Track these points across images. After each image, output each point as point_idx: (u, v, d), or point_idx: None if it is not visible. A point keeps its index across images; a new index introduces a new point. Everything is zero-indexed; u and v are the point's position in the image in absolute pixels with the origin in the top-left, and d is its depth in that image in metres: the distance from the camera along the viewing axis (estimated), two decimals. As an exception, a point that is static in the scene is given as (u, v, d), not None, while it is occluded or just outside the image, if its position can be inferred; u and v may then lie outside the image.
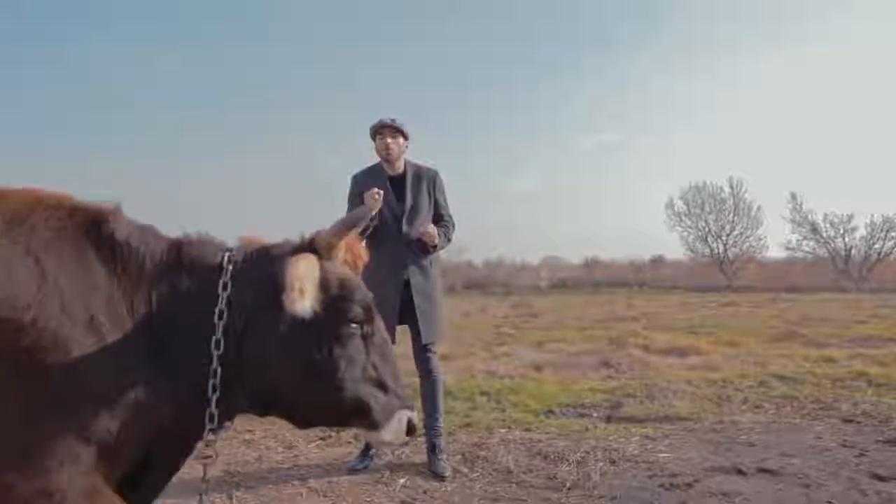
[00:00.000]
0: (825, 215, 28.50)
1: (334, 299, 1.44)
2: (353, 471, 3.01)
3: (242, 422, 4.07)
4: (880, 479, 2.89)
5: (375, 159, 3.15)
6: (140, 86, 54.98)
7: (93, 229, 1.37)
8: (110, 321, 1.31)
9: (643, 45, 54.35)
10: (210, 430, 1.38)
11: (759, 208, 30.66)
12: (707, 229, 31.43)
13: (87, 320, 1.28)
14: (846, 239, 28.29)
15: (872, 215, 27.81)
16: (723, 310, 14.64)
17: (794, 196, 29.11)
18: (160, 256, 1.43)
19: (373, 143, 3.09)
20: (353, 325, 1.46)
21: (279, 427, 3.96)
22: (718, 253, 31.12)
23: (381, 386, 1.50)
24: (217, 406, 1.37)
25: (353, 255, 1.55)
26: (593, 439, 3.62)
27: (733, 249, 31.02)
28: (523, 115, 54.99)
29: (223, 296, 1.38)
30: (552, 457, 3.27)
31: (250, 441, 3.69)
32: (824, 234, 28.53)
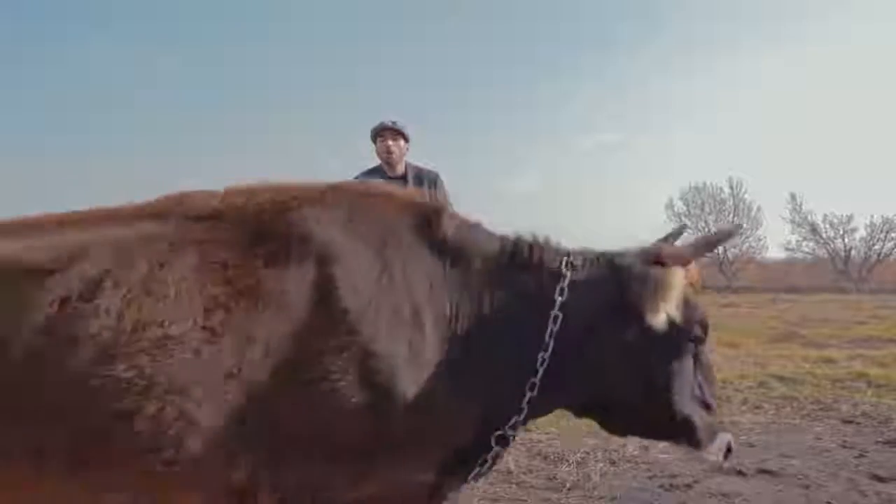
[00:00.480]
0: (825, 216, 28.55)
1: (683, 316, 1.45)
2: None
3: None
4: (880, 479, 2.91)
5: (376, 161, 3.14)
6: (140, 86, 54.96)
7: (425, 225, 1.40)
8: (435, 316, 1.34)
9: (643, 45, 54.40)
10: (511, 432, 1.44)
11: (758, 209, 30.72)
12: (707, 230, 31.45)
13: (414, 314, 1.31)
14: (846, 240, 28.35)
15: (872, 216, 27.87)
16: (722, 310, 14.66)
17: (793, 196, 29.15)
18: (491, 255, 1.45)
19: (373, 145, 3.09)
20: (692, 344, 1.50)
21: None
22: (718, 253, 31.16)
23: (706, 406, 1.54)
24: (527, 406, 1.40)
25: (692, 273, 1.56)
26: (593, 440, 3.63)
27: (733, 250, 31.07)
28: (523, 115, 54.85)
29: (559, 300, 1.39)
30: (552, 457, 3.28)
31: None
32: (824, 235, 28.60)
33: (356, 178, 3.12)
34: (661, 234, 1.73)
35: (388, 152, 3.02)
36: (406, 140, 3.07)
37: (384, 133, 3.02)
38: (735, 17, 51.63)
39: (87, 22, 52.24)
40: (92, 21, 52.28)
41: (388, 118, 3.04)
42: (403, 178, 3.09)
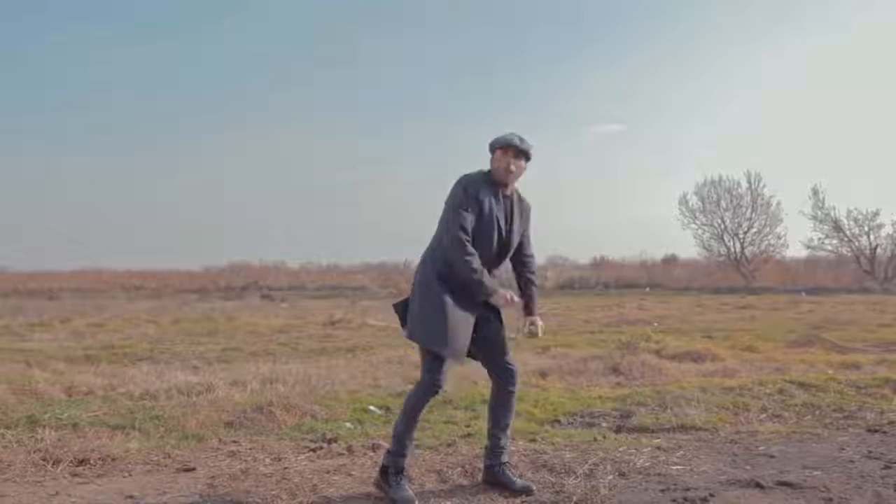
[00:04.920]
0: (849, 212, 28.45)
1: None
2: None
3: (227, 432, 4.07)
4: (908, 492, 2.89)
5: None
6: (140, 85, 55.08)
7: None
8: None
9: (651, 37, 54.37)
10: None
11: (778, 204, 30.63)
12: (723, 227, 31.40)
13: None
14: (871, 237, 28.27)
15: (899, 212, 27.79)
16: (740, 312, 14.66)
17: (815, 191, 29.03)
18: None
19: (490, 154, 3.03)
20: None
21: (266, 437, 3.96)
22: (735, 252, 31.10)
23: None
24: None
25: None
26: (602, 451, 3.62)
27: (751, 248, 31.01)
28: (527, 108, 55.07)
29: None
30: (558, 469, 3.26)
31: (236, 452, 3.68)
32: (848, 232, 28.50)
33: (470, 177, 3.01)
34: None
35: (508, 172, 2.98)
36: (528, 160, 3.03)
37: (506, 150, 2.97)
38: (749, 6, 51.66)
39: (87, 20, 52.41)
40: (92, 20, 52.42)
41: (513, 134, 2.99)
42: (510, 197, 3.06)
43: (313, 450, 3.73)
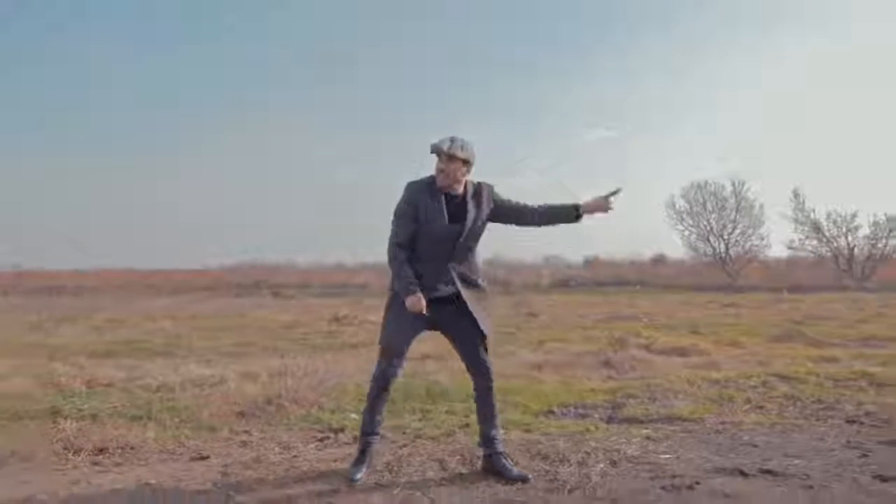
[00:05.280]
0: (828, 214, 28.46)
1: None
2: (353, 480, 2.95)
3: (239, 423, 4.07)
4: (884, 479, 2.89)
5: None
6: (140, 85, 54.99)
7: None
8: None
9: (645, 42, 54.34)
10: None
11: (761, 207, 30.65)
12: (709, 228, 31.40)
13: None
14: (849, 238, 28.26)
15: (875, 214, 27.80)
16: (725, 309, 14.64)
17: (796, 194, 29.07)
18: None
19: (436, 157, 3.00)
20: None
21: (276, 428, 3.96)
22: (720, 252, 31.11)
23: None
24: None
25: None
26: (594, 440, 3.62)
27: (735, 248, 31.01)
28: (523, 111, 55.03)
29: None
30: (552, 458, 3.26)
31: (247, 442, 3.68)
32: (827, 233, 28.50)
33: (412, 185, 3.03)
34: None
35: (440, 174, 2.98)
36: (463, 163, 2.98)
37: (442, 155, 2.95)
38: (735, 14, 51.67)
39: (86, 20, 52.33)
40: (92, 21, 52.35)
41: (446, 138, 2.96)
42: (463, 196, 3.04)
43: (321, 439, 3.73)
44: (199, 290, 27.32)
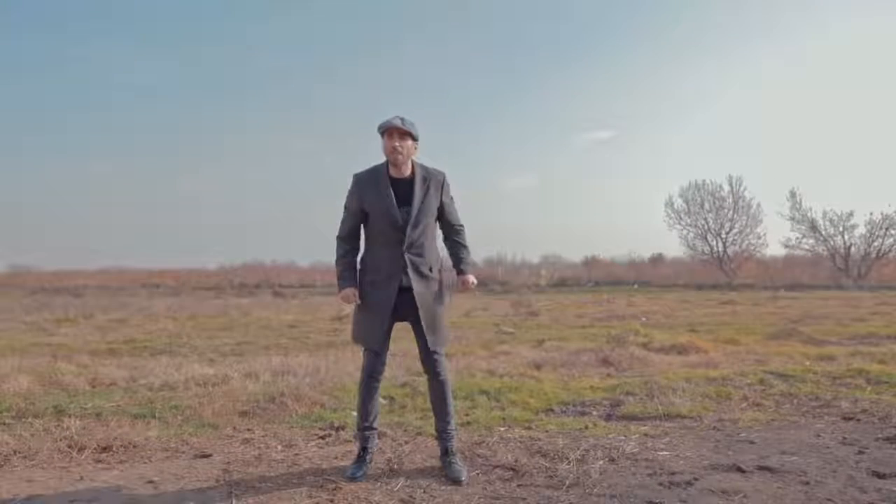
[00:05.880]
0: (824, 212, 28.50)
1: None
2: (352, 478, 2.96)
3: (241, 421, 4.07)
4: (880, 476, 2.89)
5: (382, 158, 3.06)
6: (140, 85, 54.97)
7: None
8: None
9: (643, 43, 54.37)
10: None
11: (758, 206, 30.69)
12: (706, 227, 31.45)
13: None
14: (846, 236, 28.30)
15: (871, 213, 27.82)
16: (722, 307, 14.66)
17: (793, 193, 29.12)
18: None
19: (381, 139, 2.99)
20: None
21: (278, 426, 3.97)
22: (718, 251, 31.14)
23: None
24: None
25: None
26: (593, 437, 3.62)
27: (732, 247, 31.04)
28: (522, 112, 55.07)
29: None
30: (552, 455, 3.27)
31: (249, 440, 3.68)
32: (823, 232, 28.53)
33: (358, 175, 3.03)
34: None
35: (394, 152, 2.93)
36: (414, 140, 2.98)
37: (391, 132, 2.92)
38: (735, 13, 51.66)
39: (86, 22, 52.35)
40: (91, 21, 52.36)
41: (395, 116, 2.95)
42: (409, 178, 3.01)
43: (322, 437, 3.73)
44: (201, 290, 27.31)
